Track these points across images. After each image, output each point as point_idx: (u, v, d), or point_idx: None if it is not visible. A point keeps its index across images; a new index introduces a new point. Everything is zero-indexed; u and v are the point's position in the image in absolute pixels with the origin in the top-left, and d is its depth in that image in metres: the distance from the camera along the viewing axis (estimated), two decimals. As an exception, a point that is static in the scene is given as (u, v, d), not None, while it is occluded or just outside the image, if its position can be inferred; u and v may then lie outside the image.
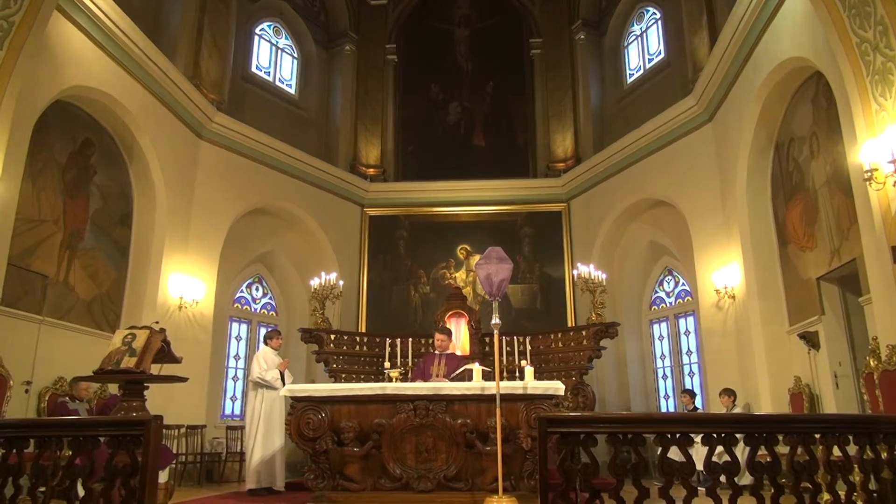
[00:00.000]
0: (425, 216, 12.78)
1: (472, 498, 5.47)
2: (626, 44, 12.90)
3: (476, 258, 11.52)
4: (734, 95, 8.90)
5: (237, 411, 11.06)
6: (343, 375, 9.61)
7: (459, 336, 9.84)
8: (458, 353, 8.54)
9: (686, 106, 10.07)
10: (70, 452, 3.35)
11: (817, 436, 3.20)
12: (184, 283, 9.43)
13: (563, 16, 13.61)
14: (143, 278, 8.95)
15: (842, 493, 3.17)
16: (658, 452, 3.24)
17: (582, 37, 13.25)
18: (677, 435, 3.11)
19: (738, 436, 3.17)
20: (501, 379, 5.67)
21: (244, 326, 11.60)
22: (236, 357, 11.37)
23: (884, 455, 3.27)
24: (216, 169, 10.39)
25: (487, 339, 9.73)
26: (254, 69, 12.24)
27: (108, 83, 8.23)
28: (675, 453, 3.09)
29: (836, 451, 3.24)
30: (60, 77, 7.41)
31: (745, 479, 3.27)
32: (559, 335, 9.82)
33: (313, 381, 10.50)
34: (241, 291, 11.72)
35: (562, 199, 12.61)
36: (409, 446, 5.67)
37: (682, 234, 10.40)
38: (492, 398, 5.39)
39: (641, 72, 12.30)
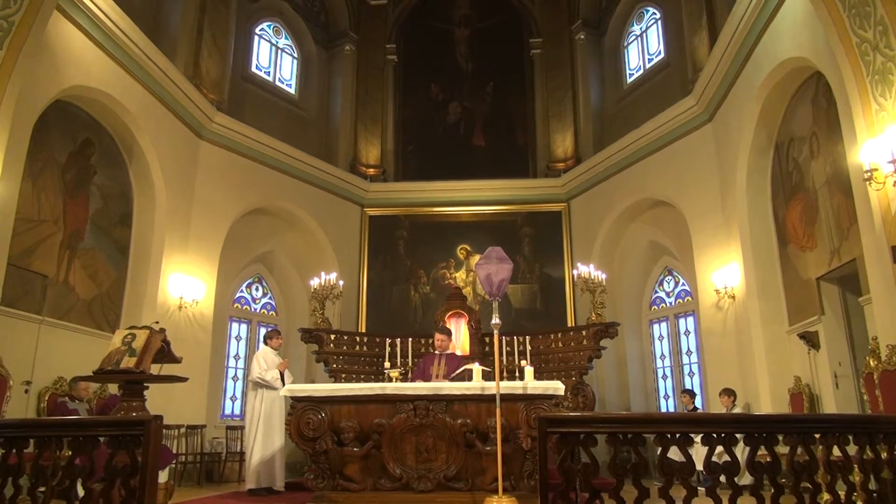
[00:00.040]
0: (425, 216, 12.78)
1: (472, 498, 5.47)
2: (625, 44, 12.90)
3: (476, 258, 11.52)
4: (734, 95, 8.90)
5: (237, 411, 11.06)
6: (343, 375, 9.61)
7: (459, 336, 9.84)
8: (458, 353, 8.54)
9: (686, 106, 10.07)
10: (70, 452, 3.35)
11: (817, 436, 3.20)
12: (184, 283, 9.44)
13: (563, 16, 13.61)
14: (143, 278, 8.96)
15: (842, 493, 3.17)
16: (658, 452, 3.24)
17: (582, 37, 13.25)
18: (677, 435, 3.11)
19: (737, 436, 3.17)
20: (501, 379, 5.66)
21: (244, 326, 11.60)
22: (236, 357, 11.37)
23: (884, 455, 3.27)
24: (216, 169, 10.39)
25: (487, 339, 9.73)
26: (254, 69, 12.24)
27: (108, 83, 8.23)
28: (675, 453, 3.09)
29: (836, 451, 3.24)
30: (60, 77, 7.41)
31: (745, 479, 3.27)
32: (559, 335, 9.82)
33: (313, 381, 10.50)
34: (241, 291, 11.73)
35: (562, 199, 12.61)
36: (409, 446, 5.67)
37: (682, 234, 10.40)
38: (492, 398, 5.39)
39: (641, 72, 12.30)
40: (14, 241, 6.62)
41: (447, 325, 9.43)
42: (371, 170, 13.11)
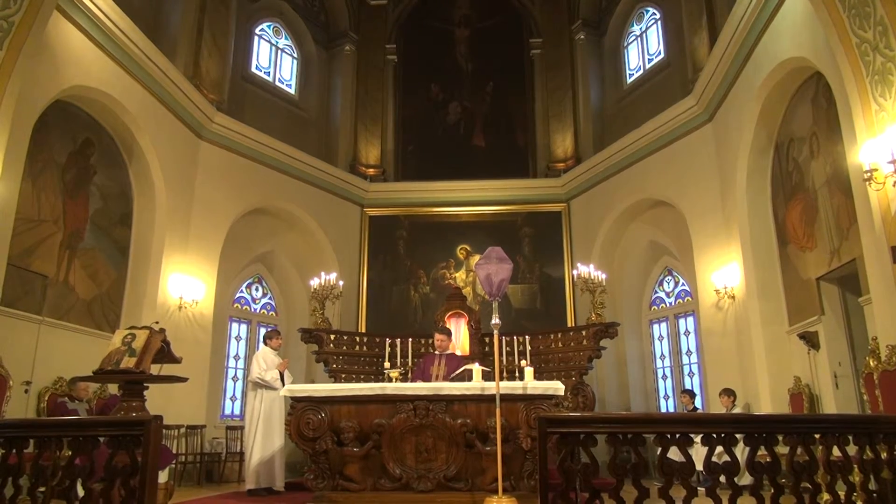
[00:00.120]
0: (425, 216, 12.78)
1: (471, 498, 5.47)
2: (625, 44, 12.90)
3: (476, 258, 11.52)
4: (734, 95, 8.90)
5: (237, 411, 11.06)
6: (343, 375, 9.61)
7: (459, 336, 9.84)
8: (458, 353, 8.54)
9: (686, 106, 10.07)
10: (70, 452, 3.35)
11: (817, 436, 3.20)
12: (184, 283, 9.44)
13: (563, 16, 13.61)
14: (143, 278, 8.96)
15: (841, 494, 3.17)
16: (658, 452, 3.24)
17: (582, 37, 13.25)
18: (677, 435, 3.12)
19: (737, 436, 3.17)
20: (501, 379, 5.66)
21: (244, 326, 11.60)
22: (236, 357, 11.37)
23: (883, 455, 3.27)
24: (216, 169, 10.39)
25: (487, 339, 9.73)
26: (254, 69, 12.24)
27: (108, 83, 8.23)
28: (674, 453, 3.09)
29: (836, 452, 3.24)
30: (60, 77, 7.41)
31: (745, 479, 3.27)
32: (559, 335, 9.81)
33: (313, 381, 10.50)
34: (241, 291, 11.73)
35: (562, 199, 12.61)
36: (409, 446, 5.67)
37: (681, 234, 10.40)
38: (492, 398, 5.39)
39: (641, 72, 12.31)
40: (14, 241, 6.61)
41: (447, 325, 9.43)
42: (371, 170, 13.11)
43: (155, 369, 4.87)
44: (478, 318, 10.07)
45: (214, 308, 10.06)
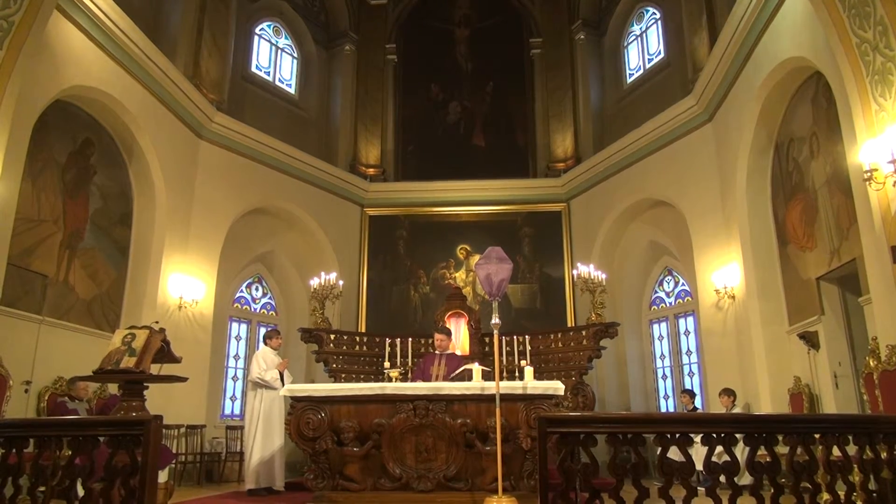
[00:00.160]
0: (425, 216, 12.78)
1: (471, 498, 5.47)
2: (625, 44, 12.90)
3: (476, 258, 11.52)
4: (734, 95, 8.90)
5: (237, 411, 11.06)
6: (343, 375, 9.61)
7: (459, 336, 9.84)
8: (458, 353, 8.54)
9: (686, 106, 10.07)
10: (70, 452, 3.35)
11: (817, 436, 3.20)
12: (184, 283, 9.44)
13: (563, 16, 13.61)
14: (143, 278, 8.96)
15: (841, 494, 3.17)
16: (658, 452, 3.24)
17: (582, 37, 13.25)
18: (677, 435, 3.11)
19: (737, 436, 3.17)
20: (501, 379, 5.66)
21: (244, 326, 11.61)
22: (236, 357, 11.37)
23: (883, 455, 3.27)
24: (216, 169, 10.39)
25: (487, 339, 9.73)
26: (254, 69, 12.24)
27: (108, 83, 8.23)
28: (674, 453, 3.09)
29: (836, 451, 3.24)
30: (60, 77, 7.41)
31: (745, 479, 3.27)
32: (559, 335, 9.81)
33: (313, 381, 10.50)
34: (241, 291, 11.73)
35: (562, 199, 12.61)
36: (409, 446, 5.67)
37: (682, 234, 10.40)
38: (491, 398, 5.38)
39: (641, 72, 12.30)
40: (14, 240, 6.62)
41: (447, 325, 9.43)
42: (371, 170, 13.11)
43: (155, 369, 4.87)
44: (478, 317, 10.07)
45: (214, 308, 10.06)
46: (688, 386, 10.62)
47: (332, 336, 9.82)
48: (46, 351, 7.24)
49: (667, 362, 11.38)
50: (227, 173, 10.56)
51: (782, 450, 3.14)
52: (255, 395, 7.37)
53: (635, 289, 11.95)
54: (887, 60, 5.26)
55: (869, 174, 5.29)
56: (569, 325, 11.48)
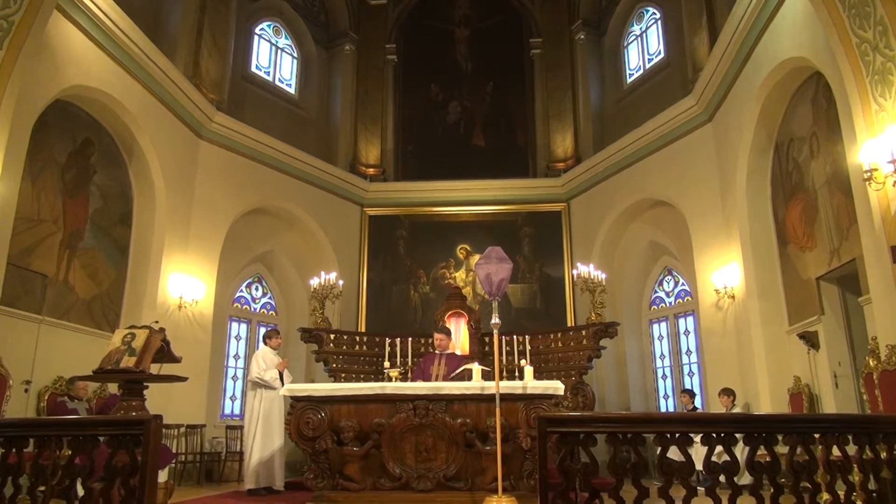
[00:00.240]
0: (425, 216, 12.78)
1: (471, 497, 5.47)
2: (625, 44, 12.90)
3: (476, 258, 11.52)
4: (734, 95, 8.90)
5: (237, 411, 11.06)
6: (343, 375, 9.61)
7: (459, 336, 9.84)
8: (458, 352, 8.54)
9: (686, 106, 10.07)
10: (69, 452, 3.35)
11: (817, 436, 3.20)
12: (183, 283, 9.44)
13: (563, 16, 13.61)
14: (143, 278, 8.96)
15: (841, 493, 3.17)
16: (658, 452, 3.24)
17: (582, 37, 13.25)
18: (677, 435, 3.11)
19: (737, 436, 3.17)
20: (501, 379, 5.66)
21: (244, 326, 11.61)
22: (236, 357, 11.37)
23: (883, 455, 3.27)
24: (216, 169, 10.39)
25: (487, 339, 9.73)
26: (254, 69, 12.24)
27: (108, 83, 8.23)
28: (674, 453, 3.09)
29: (836, 451, 3.24)
30: (60, 77, 7.41)
31: (745, 478, 3.27)
32: (559, 335, 9.81)
33: (313, 381, 10.50)
34: (241, 291, 11.73)
35: (562, 198, 12.61)
36: (409, 446, 5.67)
37: (681, 234, 10.40)
38: (491, 398, 5.38)
39: (641, 72, 12.31)
40: (14, 240, 6.61)
41: (447, 325, 9.44)
42: (371, 170, 13.11)
43: (155, 369, 4.87)
44: (478, 317, 10.07)
45: (214, 308, 10.06)
46: (688, 386, 10.62)
47: (332, 336, 9.82)
48: (46, 351, 7.24)
49: (667, 362, 11.38)
50: (227, 173, 10.56)
51: (782, 449, 3.15)
52: (254, 395, 7.37)
53: (635, 289, 11.95)
54: (887, 60, 5.26)
55: (869, 174, 5.29)
56: (569, 324, 11.48)
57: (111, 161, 8.78)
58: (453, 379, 6.40)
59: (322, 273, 9.89)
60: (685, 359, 11.04)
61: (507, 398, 5.48)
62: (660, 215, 11.12)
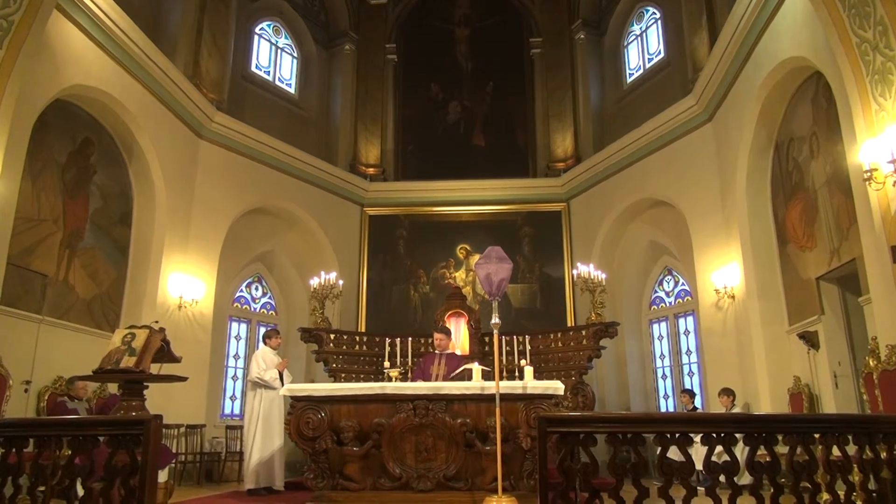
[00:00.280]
0: (425, 216, 12.78)
1: (471, 497, 5.46)
2: (625, 43, 12.90)
3: (476, 258, 11.51)
4: (734, 95, 8.90)
5: (237, 411, 11.06)
6: (343, 375, 9.61)
7: (459, 336, 9.84)
8: (458, 352, 8.54)
9: (686, 106, 10.07)
10: (69, 452, 3.35)
11: (817, 436, 3.20)
12: (183, 283, 9.44)
13: (563, 15, 13.61)
14: (143, 278, 8.96)
15: (841, 493, 3.17)
16: (658, 452, 3.24)
17: (582, 36, 13.25)
18: (677, 435, 3.11)
19: (737, 436, 3.17)
20: (501, 379, 5.66)
21: (244, 326, 11.61)
22: (236, 356, 11.37)
23: (883, 455, 3.27)
24: (216, 168, 10.39)
25: (487, 339, 9.73)
26: (254, 69, 12.24)
27: (108, 83, 8.23)
28: (674, 453, 3.09)
29: (836, 451, 3.24)
30: (60, 76, 7.41)
31: (745, 478, 3.27)
32: (559, 335, 9.81)
33: (313, 381, 10.50)
34: (241, 291, 11.73)
35: (562, 198, 12.61)
36: (409, 446, 5.67)
37: (681, 234, 10.40)
38: (491, 398, 5.38)
39: (641, 71, 12.30)
40: (14, 240, 6.61)
41: (447, 325, 9.43)
42: (371, 169, 13.11)
43: (155, 368, 4.87)
44: (478, 317, 10.07)
45: (214, 307, 10.06)
46: (687, 386, 10.62)
47: (332, 336, 9.82)
48: (46, 350, 7.23)
49: (666, 362, 11.38)
50: (227, 173, 10.56)
51: (782, 449, 3.15)
52: (254, 395, 7.37)
53: (635, 289, 11.95)
54: (887, 60, 5.26)
55: (869, 174, 5.29)
56: (569, 324, 11.48)
57: (111, 161, 8.78)
58: (453, 379, 6.40)
59: (322, 273, 9.89)
60: (685, 359, 11.04)
61: (507, 398, 5.48)
62: (660, 215, 11.12)
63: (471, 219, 12.71)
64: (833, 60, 6.03)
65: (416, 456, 5.65)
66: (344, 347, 9.89)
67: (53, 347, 7.34)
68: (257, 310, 11.94)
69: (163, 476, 5.32)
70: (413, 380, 7.32)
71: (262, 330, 10.68)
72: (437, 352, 7.33)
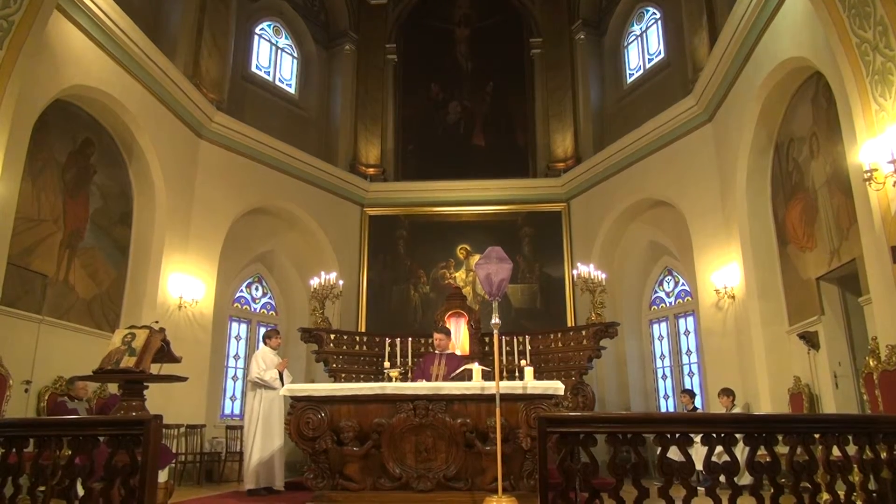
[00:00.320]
0: (425, 216, 12.78)
1: (471, 497, 5.46)
2: (626, 44, 12.90)
3: (476, 258, 11.52)
4: (734, 95, 8.90)
5: (237, 411, 11.06)
6: (343, 375, 9.61)
7: (459, 336, 9.84)
8: (458, 352, 8.54)
9: (686, 106, 10.07)
10: (70, 452, 3.35)
11: (817, 436, 3.20)
12: (184, 283, 9.44)
13: (563, 16, 13.61)
14: (143, 278, 8.96)
15: (841, 493, 3.17)
16: (658, 452, 3.24)
17: (582, 37, 13.25)
18: (677, 435, 3.11)
19: (737, 436, 3.17)
20: (501, 379, 5.66)
21: (244, 326, 11.61)
22: (236, 357, 11.37)
23: (883, 455, 3.27)
24: (216, 169, 10.39)
25: (487, 339, 9.73)
26: (254, 69, 12.24)
27: (108, 83, 8.23)
28: (674, 453, 3.09)
29: (836, 451, 3.24)
30: (60, 76, 7.41)
31: (745, 478, 3.27)
32: (559, 335, 9.81)
33: (313, 381, 10.50)
34: (241, 291, 11.73)
35: (562, 198, 12.61)
36: (409, 446, 5.67)
37: (682, 234, 10.40)
38: (491, 398, 5.38)
39: (641, 72, 12.30)
40: (14, 240, 6.61)
41: (447, 325, 9.43)
42: (371, 169, 13.11)
43: (155, 369, 4.87)
44: (478, 317, 10.07)
45: (214, 308, 10.06)
46: (688, 386, 10.62)
47: (332, 336, 9.82)
48: (46, 351, 7.23)
49: (667, 362, 11.38)
50: (227, 173, 10.56)
51: (782, 450, 3.15)
52: (254, 395, 7.37)
53: (635, 289, 11.95)
54: (887, 60, 5.26)
55: (869, 174, 5.29)
56: (569, 325, 11.48)
57: (111, 161, 8.78)
58: (453, 379, 6.40)
59: (322, 273, 9.89)
60: (685, 359, 11.04)
61: (507, 398, 5.48)
62: (660, 215, 11.12)
63: (471, 219, 12.72)
64: (833, 61, 6.03)
65: (416, 456, 5.65)
66: (344, 347, 9.89)
67: (53, 347, 7.34)
68: (257, 310, 11.94)
69: (163, 476, 5.32)
70: (413, 380, 7.32)
71: (263, 330, 10.68)
72: (437, 352, 7.33)
